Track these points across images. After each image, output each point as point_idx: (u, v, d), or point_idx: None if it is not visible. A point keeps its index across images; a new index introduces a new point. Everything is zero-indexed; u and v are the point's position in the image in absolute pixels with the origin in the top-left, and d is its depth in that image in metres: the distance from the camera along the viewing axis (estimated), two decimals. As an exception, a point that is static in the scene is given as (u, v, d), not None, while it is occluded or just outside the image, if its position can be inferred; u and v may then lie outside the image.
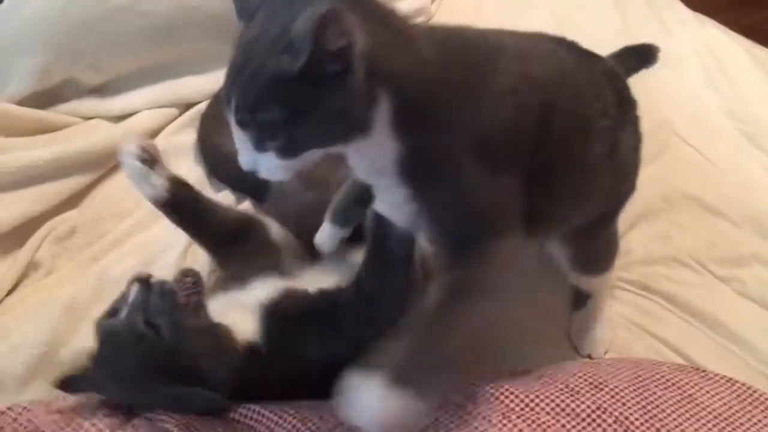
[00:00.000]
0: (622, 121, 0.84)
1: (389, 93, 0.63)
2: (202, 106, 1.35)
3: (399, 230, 0.79)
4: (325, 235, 0.91)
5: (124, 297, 0.83)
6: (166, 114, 1.35)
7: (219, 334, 0.84)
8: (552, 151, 0.75)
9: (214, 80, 1.33)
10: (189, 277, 0.85)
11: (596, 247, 0.96)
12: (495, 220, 0.71)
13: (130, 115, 1.34)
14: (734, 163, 1.31)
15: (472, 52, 0.71)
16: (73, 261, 1.13)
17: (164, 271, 1.08)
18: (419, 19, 1.52)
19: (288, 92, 0.59)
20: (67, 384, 0.81)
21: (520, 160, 0.71)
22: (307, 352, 0.84)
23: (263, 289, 0.89)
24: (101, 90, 1.36)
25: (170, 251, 1.11)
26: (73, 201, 1.21)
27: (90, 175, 1.23)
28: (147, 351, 0.79)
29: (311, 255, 0.96)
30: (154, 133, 1.33)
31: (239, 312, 0.86)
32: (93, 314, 1.03)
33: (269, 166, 0.66)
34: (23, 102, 1.29)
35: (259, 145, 0.64)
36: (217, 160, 1.25)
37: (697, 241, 1.17)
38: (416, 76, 0.64)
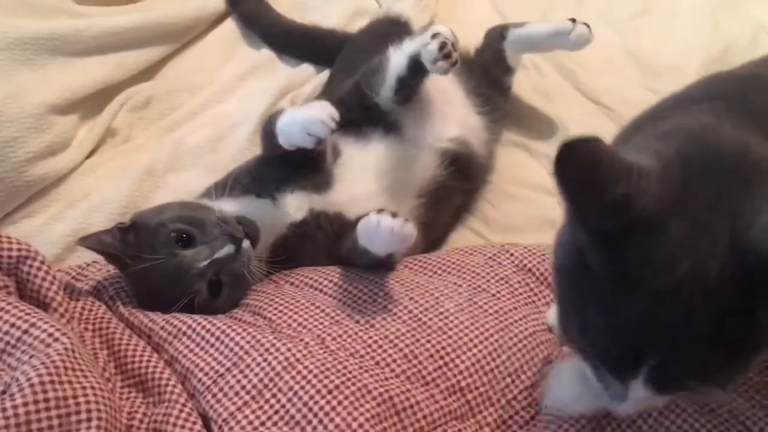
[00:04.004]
0: None
1: None
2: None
3: None
4: None
5: (204, 225, 0.83)
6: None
7: None
8: None
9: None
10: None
11: None
12: None
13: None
14: None
15: None
16: (149, 130, 1.16)
17: (237, 143, 1.11)
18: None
19: None
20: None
21: None
22: None
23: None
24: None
25: (243, 125, 1.12)
26: (148, 73, 1.22)
27: (165, 47, 1.24)
28: (189, 298, 0.81)
29: None
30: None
31: None
32: (169, 181, 1.07)
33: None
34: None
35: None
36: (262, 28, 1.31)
37: None
38: None
